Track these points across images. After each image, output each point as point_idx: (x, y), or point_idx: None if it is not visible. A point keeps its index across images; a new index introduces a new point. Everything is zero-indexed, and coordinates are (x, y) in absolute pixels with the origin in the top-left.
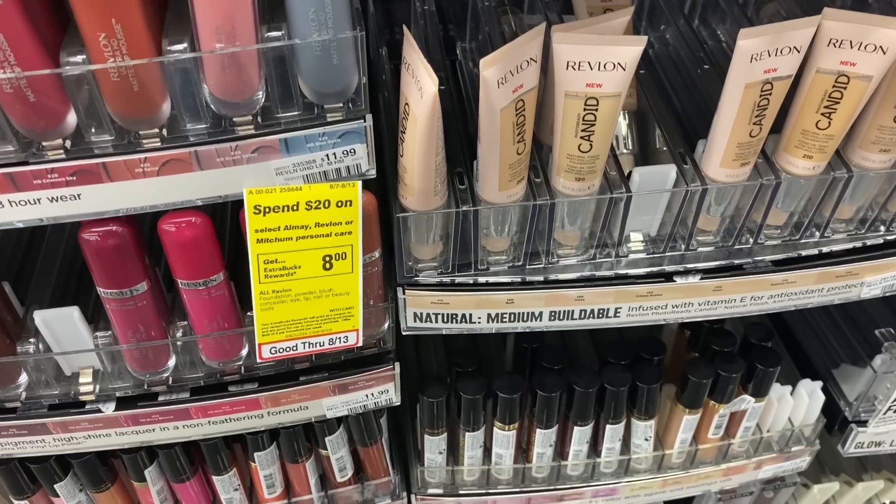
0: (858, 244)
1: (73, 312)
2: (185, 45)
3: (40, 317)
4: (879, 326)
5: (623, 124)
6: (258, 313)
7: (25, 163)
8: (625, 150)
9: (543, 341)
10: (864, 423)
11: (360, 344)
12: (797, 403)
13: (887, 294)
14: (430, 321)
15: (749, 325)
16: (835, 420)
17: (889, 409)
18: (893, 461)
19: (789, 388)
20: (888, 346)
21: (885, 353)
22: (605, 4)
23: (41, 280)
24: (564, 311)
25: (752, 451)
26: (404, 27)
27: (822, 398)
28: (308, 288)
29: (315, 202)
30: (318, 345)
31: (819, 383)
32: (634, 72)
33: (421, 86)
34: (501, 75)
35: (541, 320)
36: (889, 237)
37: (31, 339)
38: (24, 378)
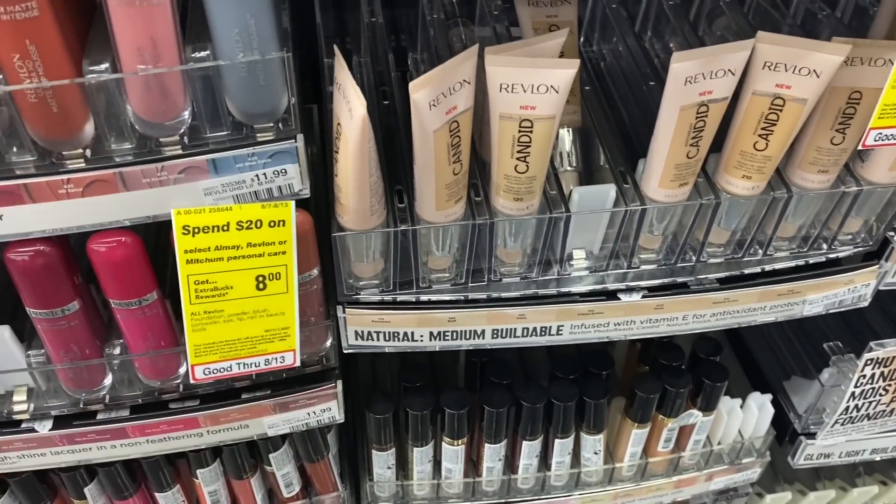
0: (801, 262)
1: (4, 331)
2: (105, 65)
3: None
4: (830, 339)
5: (567, 140)
6: (190, 334)
7: None
8: (568, 168)
9: (494, 355)
10: (812, 436)
11: (298, 364)
12: (747, 416)
13: (830, 311)
14: (372, 339)
15: (698, 338)
16: (785, 432)
17: (836, 422)
18: (846, 470)
19: (739, 401)
20: (835, 360)
21: (832, 367)
22: (551, 20)
23: None
24: (507, 329)
25: (703, 464)
26: (335, 47)
27: (771, 411)
28: (241, 308)
29: (246, 222)
30: (253, 365)
31: (769, 396)
32: (577, 89)
33: (351, 107)
34: (433, 97)
35: (484, 338)
36: (831, 255)
37: None
38: None
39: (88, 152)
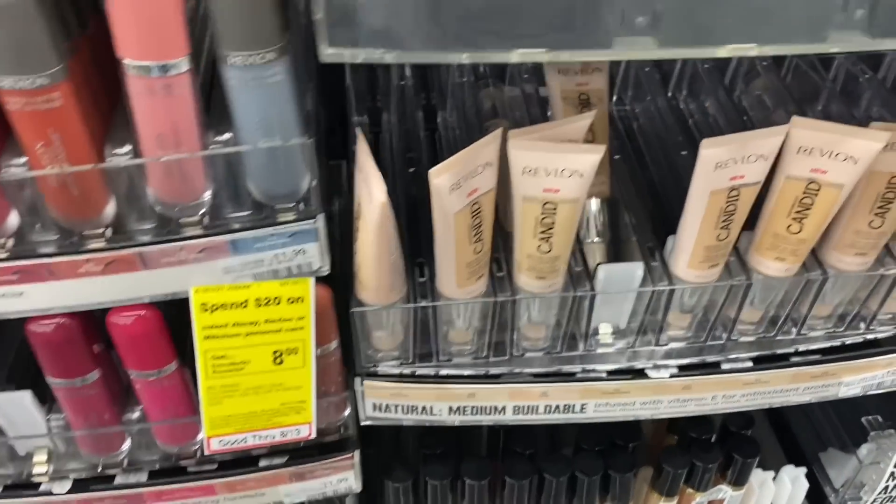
0: (837, 343)
1: (25, 396)
2: (127, 149)
3: None
4: (870, 411)
5: (594, 211)
6: (205, 408)
7: None
8: (596, 239)
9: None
10: None
11: (313, 436)
12: (779, 490)
13: (868, 393)
14: (390, 412)
15: (729, 414)
16: None
17: (874, 500)
18: None
19: (772, 473)
20: (874, 436)
21: (870, 443)
22: (580, 88)
23: None
24: (529, 406)
25: None
26: (358, 131)
27: (805, 485)
28: (258, 382)
29: (265, 299)
30: (269, 437)
31: (803, 469)
32: (606, 161)
33: (371, 192)
34: (454, 181)
35: (505, 414)
36: (868, 336)
37: None
38: None
39: (109, 231)
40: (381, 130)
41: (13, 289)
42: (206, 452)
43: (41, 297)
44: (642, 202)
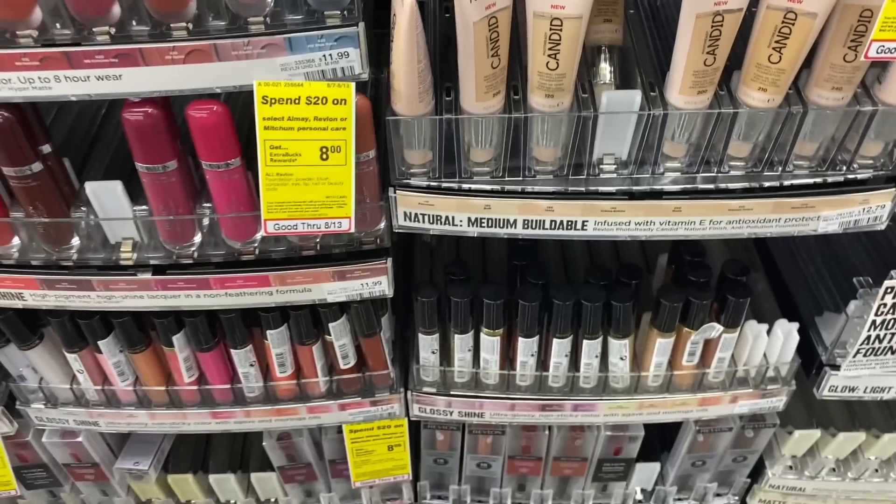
0: (819, 180)
1: (117, 186)
2: None
3: (89, 187)
4: (861, 274)
5: (606, 57)
6: (264, 192)
7: (78, 44)
8: (605, 82)
9: (535, 260)
10: (837, 367)
11: (352, 230)
12: (772, 341)
13: (847, 231)
14: (419, 221)
15: (727, 261)
16: (812, 364)
17: (858, 352)
18: (884, 419)
19: (766, 326)
20: (862, 293)
21: (859, 300)
22: None
23: (97, 160)
24: (536, 221)
25: (728, 384)
26: None
27: (796, 338)
28: (307, 175)
29: (314, 98)
30: (315, 226)
31: (795, 324)
32: (621, 9)
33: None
34: None
35: (516, 227)
36: (849, 176)
37: (83, 208)
38: (76, 241)
39: (191, 26)
40: None
41: (114, 71)
42: (263, 234)
43: (135, 81)
44: (650, 55)
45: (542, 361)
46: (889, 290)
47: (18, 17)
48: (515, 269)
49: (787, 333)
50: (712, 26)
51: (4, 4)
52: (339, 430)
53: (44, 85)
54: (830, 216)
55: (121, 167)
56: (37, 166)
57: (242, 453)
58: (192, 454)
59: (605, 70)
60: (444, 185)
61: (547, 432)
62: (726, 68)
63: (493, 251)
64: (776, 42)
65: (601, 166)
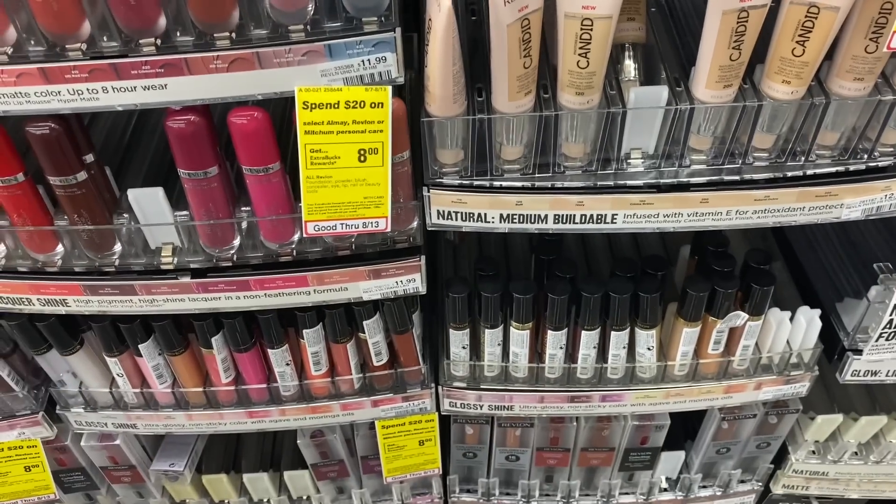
0: (841, 168)
1: (158, 192)
2: None
3: (132, 194)
4: (881, 259)
5: (630, 55)
6: (305, 195)
7: (125, 55)
8: (630, 78)
9: (561, 255)
10: (859, 352)
11: (389, 230)
12: (795, 328)
13: (869, 217)
14: (452, 219)
15: (749, 250)
16: (834, 350)
17: (880, 336)
18: None
19: (788, 313)
20: (883, 279)
21: (880, 285)
22: None
23: (136, 168)
24: (567, 215)
25: (752, 371)
26: None
27: (819, 325)
28: (346, 176)
29: (352, 102)
30: (353, 227)
31: (817, 311)
32: (643, 8)
33: (440, 2)
34: None
35: (547, 223)
36: (871, 164)
37: (125, 215)
38: (118, 247)
39: (234, 35)
40: None
41: (160, 80)
42: (304, 235)
43: (180, 90)
44: (674, 52)
45: (571, 354)
46: None
47: (68, 31)
48: (542, 263)
49: (809, 320)
50: (738, 22)
51: (55, 19)
52: (371, 426)
53: (91, 96)
54: (853, 203)
55: (156, 173)
56: (82, 175)
57: (273, 452)
58: (224, 454)
59: (630, 67)
60: (476, 183)
61: (575, 423)
62: (749, 62)
63: (515, 247)
64: (800, 36)
65: (629, 160)
